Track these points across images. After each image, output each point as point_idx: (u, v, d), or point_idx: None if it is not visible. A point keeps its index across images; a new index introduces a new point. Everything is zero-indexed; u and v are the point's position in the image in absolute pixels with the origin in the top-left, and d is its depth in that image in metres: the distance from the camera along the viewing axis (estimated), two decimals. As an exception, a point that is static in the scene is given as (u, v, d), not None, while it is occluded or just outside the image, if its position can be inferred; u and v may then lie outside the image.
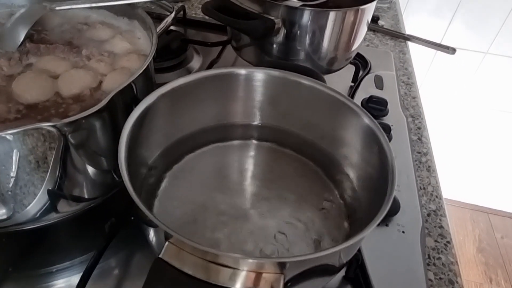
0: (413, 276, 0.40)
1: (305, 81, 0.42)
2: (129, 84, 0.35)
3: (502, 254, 1.61)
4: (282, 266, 0.26)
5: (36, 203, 0.34)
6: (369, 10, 0.55)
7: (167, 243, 0.27)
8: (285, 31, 0.52)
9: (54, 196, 0.35)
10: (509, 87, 1.36)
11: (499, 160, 1.57)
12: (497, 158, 1.57)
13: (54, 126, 0.30)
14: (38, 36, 0.45)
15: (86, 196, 0.38)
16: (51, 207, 0.36)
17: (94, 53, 0.43)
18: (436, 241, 0.45)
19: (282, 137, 0.46)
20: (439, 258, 0.44)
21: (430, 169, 0.55)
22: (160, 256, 0.26)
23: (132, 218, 0.40)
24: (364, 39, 0.59)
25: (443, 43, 0.92)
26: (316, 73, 0.48)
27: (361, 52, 0.71)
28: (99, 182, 0.39)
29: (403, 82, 0.72)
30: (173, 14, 0.58)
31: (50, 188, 0.34)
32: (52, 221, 0.37)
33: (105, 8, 0.49)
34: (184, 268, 0.26)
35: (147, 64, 0.37)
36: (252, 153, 0.46)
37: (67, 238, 0.42)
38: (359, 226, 0.35)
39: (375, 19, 0.91)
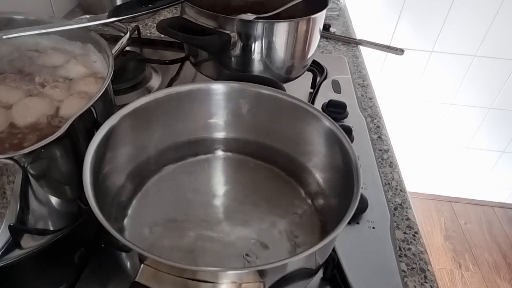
0: (388, 269, 0.42)
1: (266, 91, 0.43)
2: (89, 109, 0.34)
3: (468, 240, 1.69)
4: (260, 274, 0.26)
5: (-4, 242, 0.33)
6: (320, 18, 0.57)
7: (142, 265, 0.26)
8: (242, 44, 0.53)
9: (17, 231, 0.33)
10: (456, 81, 1.46)
11: (453, 150, 1.67)
12: (451, 148, 1.66)
13: (11, 158, 0.29)
14: (-15, 67, 0.43)
15: (51, 228, 0.36)
16: (14, 243, 0.34)
17: (48, 79, 0.41)
18: (405, 233, 0.47)
19: (248, 147, 0.47)
20: (409, 249, 0.45)
21: (392, 164, 0.57)
22: (136, 280, 0.26)
23: (103, 245, 0.39)
24: (318, 46, 0.62)
25: (392, 45, 0.97)
26: (275, 82, 0.50)
27: (316, 59, 0.73)
28: (65, 211, 0.37)
29: (358, 84, 0.75)
30: (127, 35, 0.57)
31: (12, 224, 0.32)
32: (16, 259, 0.35)
33: (56, 34, 0.47)
34: (162, 289, 0.26)
35: (105, 87, 0.36)
36: (220, 166, 0.46)
37: (34, 275, 0.39)
38: (330, 226, 0.36)
39: (326, 27, 0.94)
